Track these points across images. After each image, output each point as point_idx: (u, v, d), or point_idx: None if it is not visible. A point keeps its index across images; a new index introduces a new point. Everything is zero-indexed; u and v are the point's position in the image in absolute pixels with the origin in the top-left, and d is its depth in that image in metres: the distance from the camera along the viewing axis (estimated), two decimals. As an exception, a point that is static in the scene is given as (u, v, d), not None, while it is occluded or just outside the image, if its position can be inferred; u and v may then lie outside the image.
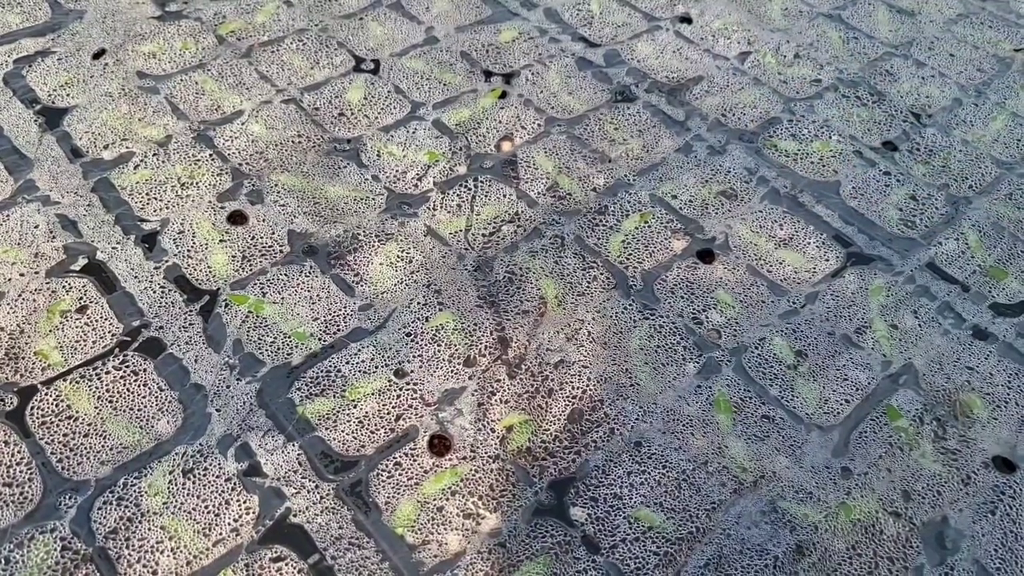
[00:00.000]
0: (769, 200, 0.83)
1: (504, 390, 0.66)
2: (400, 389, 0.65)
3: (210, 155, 0.82)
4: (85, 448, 0.61)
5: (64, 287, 0.70)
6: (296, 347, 0.67)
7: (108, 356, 0.66)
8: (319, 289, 0.72)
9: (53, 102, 0.85)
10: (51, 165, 0.79)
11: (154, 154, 0.81)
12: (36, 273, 0.71)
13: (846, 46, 1.03)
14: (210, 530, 0.57)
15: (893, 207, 0.84)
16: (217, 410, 0.63)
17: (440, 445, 0.63)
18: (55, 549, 0.56)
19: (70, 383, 0.64)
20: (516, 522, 0.59)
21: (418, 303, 0.71)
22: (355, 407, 0.64)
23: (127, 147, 0.82)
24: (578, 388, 0.66)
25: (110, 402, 0.63)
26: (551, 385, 0.66)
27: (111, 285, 0.70)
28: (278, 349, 0.67)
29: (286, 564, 0.56)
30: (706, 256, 0.78)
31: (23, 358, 0.65)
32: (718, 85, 0.95)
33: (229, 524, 0.57)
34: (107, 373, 0.65)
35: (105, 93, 0.87)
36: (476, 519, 0.59)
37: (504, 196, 0.81)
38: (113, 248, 0.73)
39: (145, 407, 0.63)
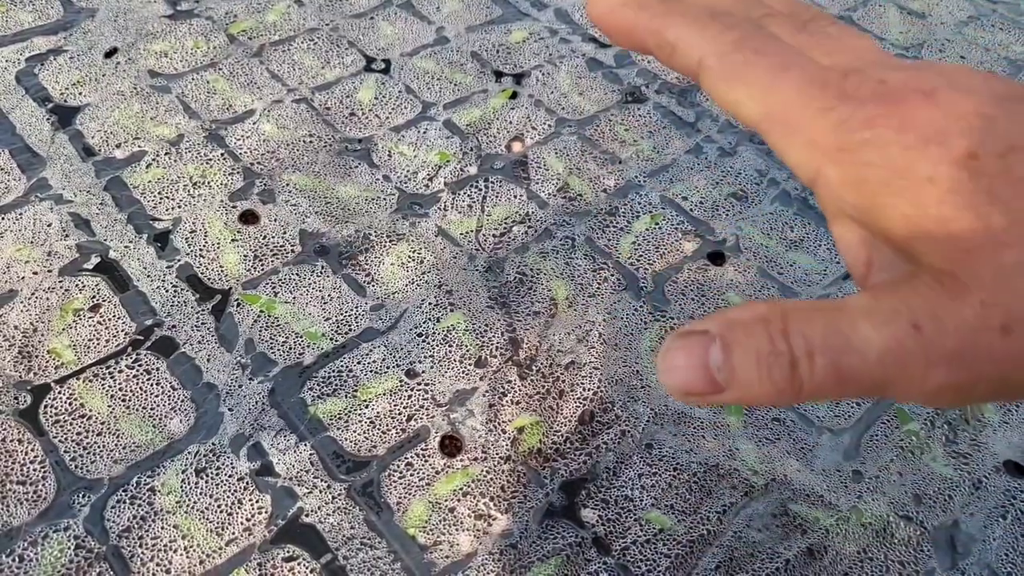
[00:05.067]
0: (780, 202, 0.83)
1: (515, 391, 0.66)
2: (411, 389, 0.66)
3: (222, 154, 0.82)
4: (98, 446, 0.61)
5: (77, 286, 0.70)
6: (308, 347, 0.68)
7: (121, 355, 0.66)
8: (331, 289, 0.72)
9: (65, 100, 0.86)
10: (64, 163, 0.80)
11: (166, 153, 0.82)
12: (49, 271, 0.71)
13: (857, 48, 1.03)
14: (223, 529, 0.57)
15: (904, 210, 0.84)
16: (230, 409, 0.63)
17: (451, 446, 0.63)
18: (69, 547, 0.56)
19: (83, 381, 0.64)
20: (528, 523, 0.59)
21: (429, 303, 0.71)
22: (367, 407, 0.64)
23: (139, 146, 0.82)
24: (589, 390, 0.67)
25: (123, 401, 0.63)
26: (562, 386, 0.67)
27: (124, 284, 0.71)
28: (290, 349, 0.67)
29: (298, 563, 0.56)
30: (717, 258, 0.78)
31: (36, 356, 0.65)
32: (729, 86, 0.95)
33: (242, 523, 0.58)
34: (120, 372, 0.65)
35: (117, 92, 0.87)
36: (488, 520, 0.59)
37: (515, 197, 0.81)
38: (126, 247, 0.73)
39: (158, 406, 0.63)
